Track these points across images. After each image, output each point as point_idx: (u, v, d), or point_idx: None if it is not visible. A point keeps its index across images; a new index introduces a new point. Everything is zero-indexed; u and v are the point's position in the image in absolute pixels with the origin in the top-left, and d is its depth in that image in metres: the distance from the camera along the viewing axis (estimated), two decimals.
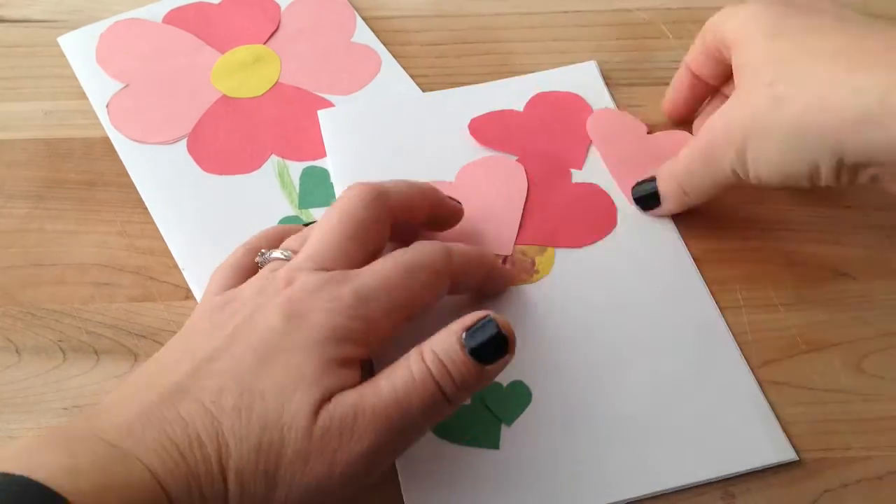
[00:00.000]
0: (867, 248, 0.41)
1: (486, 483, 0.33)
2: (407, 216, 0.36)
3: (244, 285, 0.33)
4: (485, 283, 0.37)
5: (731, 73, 0.38)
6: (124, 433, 0.27)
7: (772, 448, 0.34)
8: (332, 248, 0.32)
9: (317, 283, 0.30)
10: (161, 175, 0.43)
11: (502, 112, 0.45)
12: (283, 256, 0.33)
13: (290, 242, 0.35)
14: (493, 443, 0.34)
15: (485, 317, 0.30)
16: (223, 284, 0.34)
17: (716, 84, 0.42)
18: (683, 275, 0.39)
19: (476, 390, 0.30)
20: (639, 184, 0.41)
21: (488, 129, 0.44)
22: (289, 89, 0.47)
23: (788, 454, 0.34)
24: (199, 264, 0.40)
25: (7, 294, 0.39)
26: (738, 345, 0.37)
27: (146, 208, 0.42)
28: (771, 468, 0.34)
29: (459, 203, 0.38)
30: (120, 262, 0.40)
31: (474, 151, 0.44)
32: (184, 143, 0.44)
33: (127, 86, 0.47)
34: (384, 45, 0.49)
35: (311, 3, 0.51)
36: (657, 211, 0.41)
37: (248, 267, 0.35)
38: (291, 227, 0.37)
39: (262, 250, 0.35)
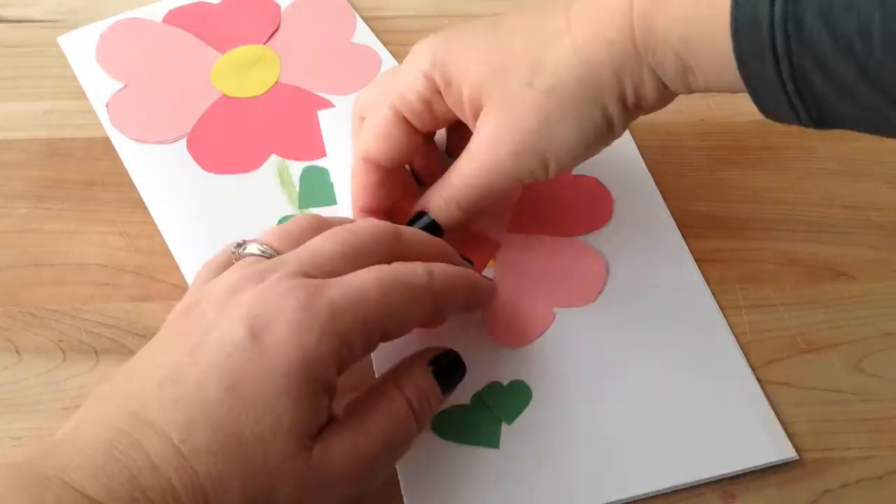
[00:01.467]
0: (867, 249, 0.41)
1: (487, 483, 0.33)
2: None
3: (215, 281, 0.30)
4: (469, 304, 0.35)
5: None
6: (90, 477, 0.24)
7: (772, 447, 0.34)
8: (322, 258, 0.30)
9: (287, 288, 0.28)
10: (161, 175, 0.43)
11: None
12: (259, 252, 0.31)
13: (270, 238, 0.32)
14: (494, 442, 0.34)
15: (447, 350, 0.33)
16: (202, 282, 0.32)
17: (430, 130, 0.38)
18: (684, 274, 0.39)
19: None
20: (413, 222, 0.37)
21: None
22: (289, 89, 0.47)
23: (789, 453, 0.34)
24: (200, 264, 0.39)
25: (7, 294, 0.39)
26: (739, 345, 0.37)
27: (146, 208, 0.42)
28: (771, 468, 0.34)
29: (472, 262, 0.38)
30: (120, 262, 0.40)
31: None
32: (184, 142, 0.44)
33: (127, 85, 0.47)
34: (384, 45, 0.49)
35: (311, 4, 0.52)
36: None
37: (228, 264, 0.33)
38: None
39: (239, 241, 0.33)
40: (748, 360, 0.37)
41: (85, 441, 0.26)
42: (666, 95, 0.33)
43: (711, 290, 0.39)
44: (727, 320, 0.38)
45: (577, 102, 0.32)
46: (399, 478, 0.33)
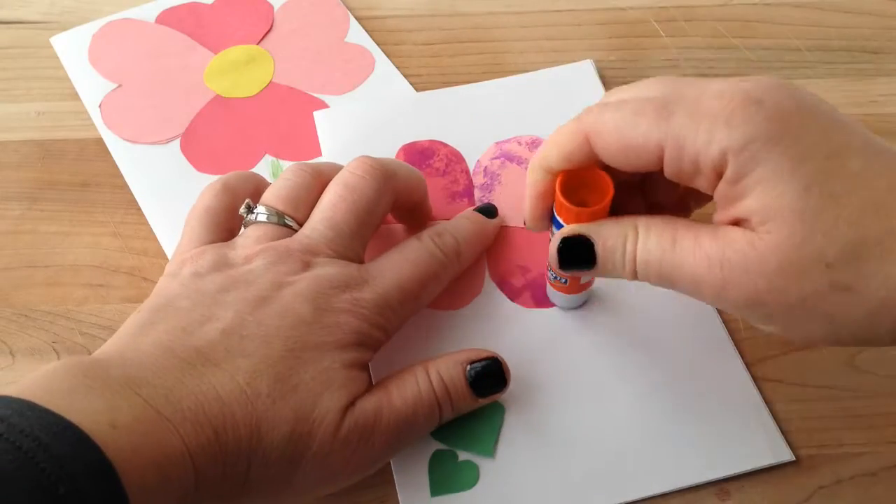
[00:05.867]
0: None
1: (482, 489, 0.33)
2: (405, 201, 0.37)
3: (238, 248, 0.33)
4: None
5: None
6: (161, 396, 0.27)
7: (768, 449, 0.34)
8: (346, 235, 0.33)
9: (339, 278, 0.32)
10: (154, 175, 0.43)
11: None
12: (275, 221, 0.34)
13: (276, 201, 0.34)
14: (488, 451, 0.34)
15: (491, 356, 0.34)
16: (201, 235, 0.34)
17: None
18: None
19: (463, 412, 0.34)
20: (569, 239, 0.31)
21: None
22: (282, 89, 0.47)
23: (785, 455, 0.34)
24: None
25: (1, 295, 0.39)
26: (733, 342, 0.37)
27: (140, 209, 0.42)
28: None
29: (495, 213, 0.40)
30: (114, 263, 0.40)
31: (468, 148, 0.44)
32: (177, 142, 0.44)
33: (120, 86, 0.47)
34: (377, 44, 0.49)
35: (304, 4, 0.51)
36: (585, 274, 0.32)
37: (225, 212, 0.35)
38: (258, 176, 0.37)
39: (248, 201, 0.35)
40: (742, 357, 0.37)
41: (154, 363, 0.28)
42: None
43: None
44: (721, 317, 0.38)
45: (858, 329, 0.26)
46: (395, 482, 0.33)
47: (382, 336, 0.32)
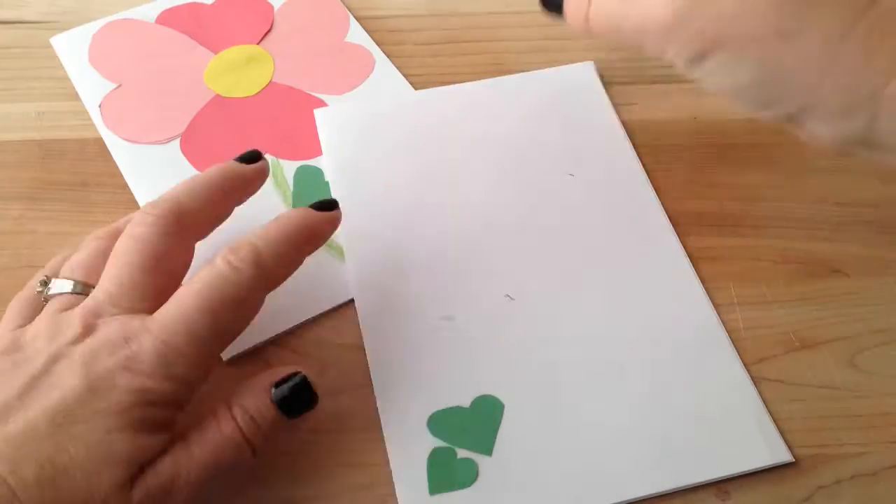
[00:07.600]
0: (860, 245, 0.41)
1: (481, 486, 0.33)
2: (209, 224, 0.35)
3: (30, 327, 0.31)
4: (309, 253, 0.34)
5: None
6: None
7: (767, 450, 0.34)
8: (129, 286, 0.31)
9: (116, 335, 0.29)
10: (155, 175, 0.43)
11: None
12: (69, 290, 0.32)
13: (72, 271, 0.33)
14: (487, 449, 0.34)
15: (295, 373, 0.31)
16: (13, 320, 0.32)
17: None
18: (679, 273, 0.39)
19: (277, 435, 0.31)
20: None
21: None
22: (282, 89, 0.47)
23: (784, 456, 0.34)
24: (192, 264, 0.40)
25: (1, 296, 0.39)
26: (732, 342, 0.37)
27: (139, 209, 0.42)
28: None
29: (261, 158, 0.37)
30: None
31: (469, 147, 0.44)
32: (177, 142, 0.44)
33: (120, 86, 0.47)
34: (377, 44, 0.49)
35: (304, 4, 0.52)
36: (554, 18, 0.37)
37: (37, 296, 0.33)
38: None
39: (44, 277, 0.33)
40: (742, 357, 0.37)
41: None
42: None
43: (705, 288, 0.39)
44: (721, 318, 0.38)
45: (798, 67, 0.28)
46: (394, 480, 0.33)
47: (179, 387, 0.29)
